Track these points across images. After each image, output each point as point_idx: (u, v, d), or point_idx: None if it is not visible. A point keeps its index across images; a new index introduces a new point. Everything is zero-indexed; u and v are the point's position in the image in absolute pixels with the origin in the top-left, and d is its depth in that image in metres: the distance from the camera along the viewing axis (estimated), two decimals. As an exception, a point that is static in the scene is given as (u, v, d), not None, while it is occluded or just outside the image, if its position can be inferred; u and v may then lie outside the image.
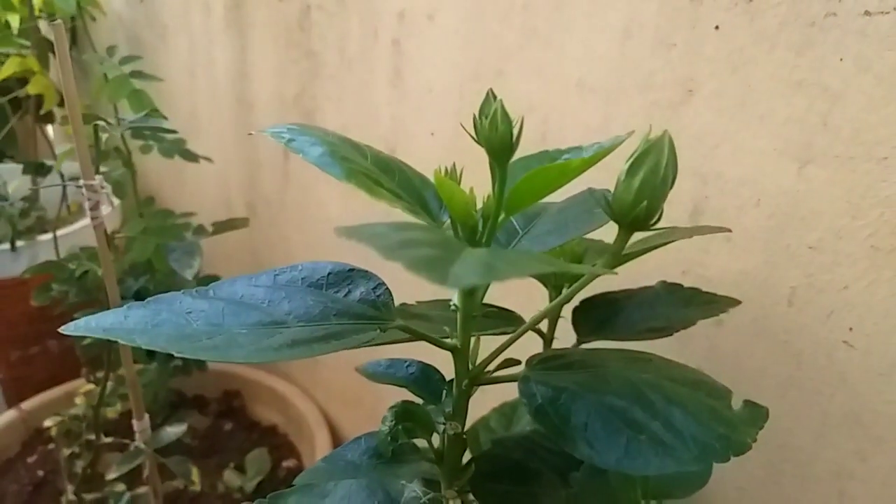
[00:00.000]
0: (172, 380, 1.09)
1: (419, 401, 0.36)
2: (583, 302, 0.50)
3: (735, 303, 0.48)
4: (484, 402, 0.61)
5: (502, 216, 0.30)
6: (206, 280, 0.88)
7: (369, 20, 0.78)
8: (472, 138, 0.31)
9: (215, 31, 1.06)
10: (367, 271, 0.34)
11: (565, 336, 0.49)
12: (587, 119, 0.59)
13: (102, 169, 1.02)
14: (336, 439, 1.06)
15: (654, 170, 0.26)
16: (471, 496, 0.36)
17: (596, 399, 0.28)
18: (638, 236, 0.39)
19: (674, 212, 0.55)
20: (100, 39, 1.27)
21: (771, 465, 0.53)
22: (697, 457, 0.27)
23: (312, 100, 0.91)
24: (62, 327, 0.29)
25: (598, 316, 0.49)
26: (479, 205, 0.32)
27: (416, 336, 0.32)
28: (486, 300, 0.49)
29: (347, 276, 0.34)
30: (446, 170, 0.30)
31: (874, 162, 0.43)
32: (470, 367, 0.33)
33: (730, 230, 0.42)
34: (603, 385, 0.29)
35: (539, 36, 0.60)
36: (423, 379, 0.35)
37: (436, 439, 0.35)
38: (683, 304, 0.48)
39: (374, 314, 0.32)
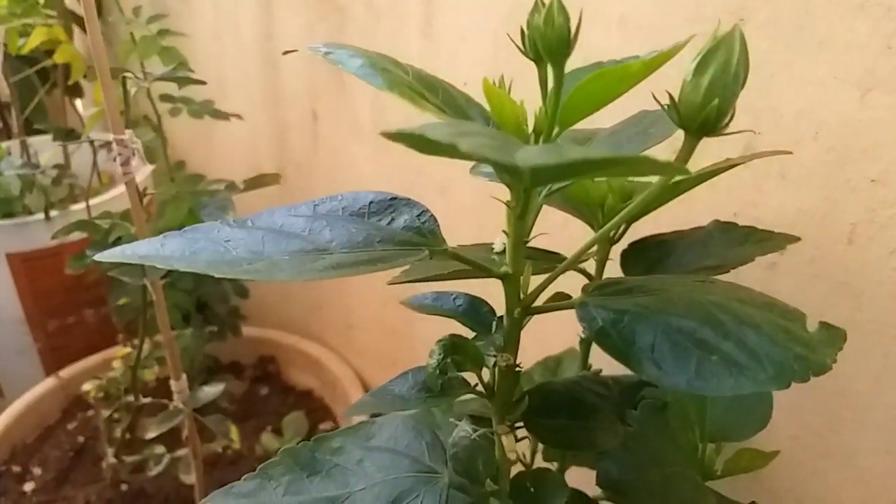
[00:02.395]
0: (208, 346, 1.10)
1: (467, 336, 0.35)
2: (632, 244, 0.48)
3: (794, 239, 0.45)
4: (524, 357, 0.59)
5: (556, 130, 0.28)
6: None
7: (398, -32, 0.75)
8: (520, 50, 0.29)
9: (241, -8, 1.04)
10: (409, 199, 0.32)
11: (613, 280, 0.47)
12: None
13: (132, 135, 1.02)
14: (371, 403, 1.06)
15: (725, 67, 0.24)
16: (522, 432, 0.34)
17: (661, 320, 0.27)
18: (693, 166, 0.36)
19: (724, 151, 0.52)
20: (125, 4, 1.26)
21: (828, 412, 0.51)
22: (774, 377, 0.25)
23: (341, 57, 0.89)
24: (97, 254, 0.28)
25: (648, 257, 0.47)
26: (531, 123, 0.30)
27: (465, 263, 0.30)
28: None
29: (390, 204, 0.32)
30: (495, 81, 0.28)
31: (945, 84, 0.40)
32: (521, 296, 0.32)
33: (790, 152, 0.39)
34: (668, 307, 0.27)
35: (578, -29, 0.58)
36: (472, 311, 0.34)
37: (486, 374, 0.33)
38: (738, 243, 0.46)
39: (421, 241, 0.30)
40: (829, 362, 0.26)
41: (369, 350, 1.09)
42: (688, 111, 0.25)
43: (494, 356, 0.32)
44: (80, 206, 1.12)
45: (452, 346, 0.32)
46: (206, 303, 1.11)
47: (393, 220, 0.32)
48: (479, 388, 0.33)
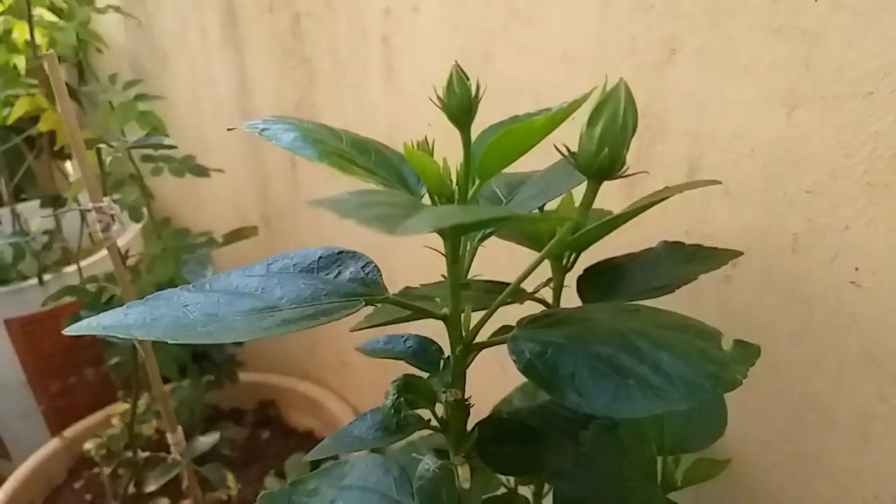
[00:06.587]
0: (207, 395, 1.12)
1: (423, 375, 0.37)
2: (586, 269, 0.51)
3: (737, 254, 0.48)
4: (507, 383, 0.61)
5: (477, 182, 0.31)
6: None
7: (357, 20, 0.79)
8: (440, 109, 0.32)
9: (213, 50, 1.08)
10: (356, 252, 0.35)
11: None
12: (577, 91, 0.58)
13: (117, 196, 1.05)
14: (371, 438, 1.07)
15: (613, 118, 0.27)
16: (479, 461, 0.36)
17: (582, 349, 0.29)
18: (634, 196, 0.39)
19: (670, 173, 0.55)
20: (105, 70, 1.30)
21: (794, 416, 0.53)
22: (686, 396, 0.27)
23: (312, 106, 0.93)
24: (65, 329, 0.30)
25: (602, 282, 0.49)
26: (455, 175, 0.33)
27: (406, 308, 0.32)
28: (493, 278, 0.50)
29: (337, 258, 0.35)
30: (417, 143, 0.31)
31: (860, 98, 0.43)
32: (463, 334, 0.34)
33: (720, 182, 0.41)
34: (589, 336, 0.29)
35: (520, 14, 0.61)
36: (421, 351, 0.36)
37: (440, 409, 0.35)
38: (685, 261, 0.48)
39: (364, 291, 0.32)
40: (739, 378, 0.28)
41: (364, 386, 1.11)
42: (585, 159, 0.28)
43: (445, 392, 0.34)
44: (73, 268, 1.14)
45: (406, 385, 0.34)
46: (204, 352, 1.13)
47: (340, 273, 0.34)
48: (434, 423, 0.35)
